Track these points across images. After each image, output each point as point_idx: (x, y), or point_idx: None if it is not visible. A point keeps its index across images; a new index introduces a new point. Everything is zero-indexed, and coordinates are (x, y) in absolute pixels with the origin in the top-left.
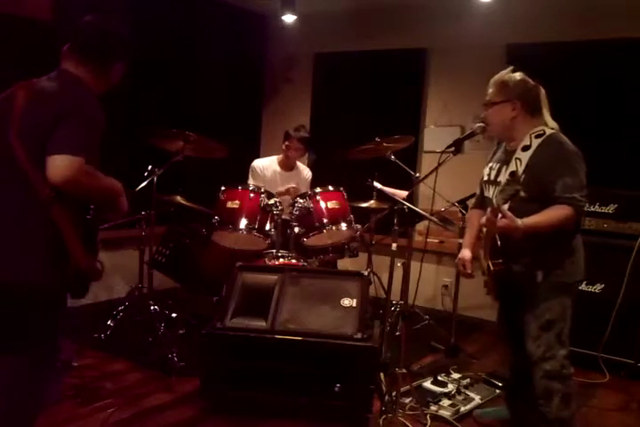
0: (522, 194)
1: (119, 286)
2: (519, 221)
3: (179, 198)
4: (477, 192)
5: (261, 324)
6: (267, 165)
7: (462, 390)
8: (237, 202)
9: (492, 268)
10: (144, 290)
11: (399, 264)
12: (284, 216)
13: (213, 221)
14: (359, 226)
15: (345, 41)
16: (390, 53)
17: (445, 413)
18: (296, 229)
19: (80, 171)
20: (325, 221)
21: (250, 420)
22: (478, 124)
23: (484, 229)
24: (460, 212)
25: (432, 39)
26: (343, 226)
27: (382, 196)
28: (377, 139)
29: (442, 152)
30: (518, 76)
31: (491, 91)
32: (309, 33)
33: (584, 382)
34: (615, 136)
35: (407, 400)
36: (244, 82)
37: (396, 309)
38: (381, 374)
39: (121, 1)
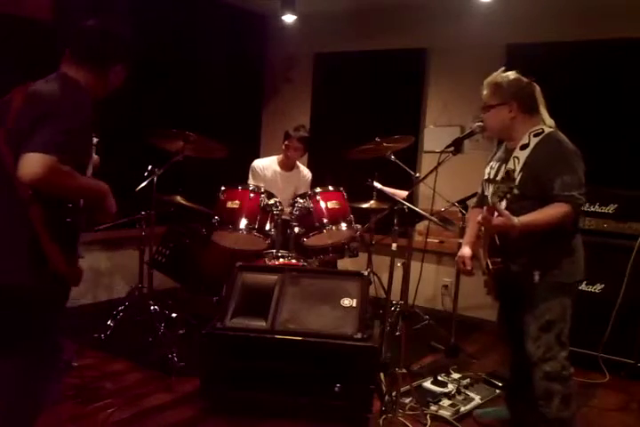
0: (515, 192)
1: (119, 286)
2: (515, 219)
3: (179, 198)
4: (479, 191)
5: (261, 324)
6: (267, 165)
7: (462, 390)
8: (237, 202)
9: (490, 267)
10: (144, 290)
11: (399, 264)
12: (284, 216)
13: (213, 221)
14: (359, 226)
15: (345, 41)
16: (390, 53)
17: (445, 413)
18: (296, 229)
19: (52, 169)
20: (325, 221)
21: (250, 420)
22: (477, 124)
23: (483, 228)
24: (460, 212)
25: (432, 39)
26: (343, 226)
27: (382, 196)
28: (377, 139)
29: (441, 152)
30: (511, 75)
31: (485, 93)
32: (309, 33)
33: (584, 382)
34: (615, 136)
35: (407, 400)
36: (245, 82)
37: (396, 309)
38: (381, 374)
39: (121, 2)
